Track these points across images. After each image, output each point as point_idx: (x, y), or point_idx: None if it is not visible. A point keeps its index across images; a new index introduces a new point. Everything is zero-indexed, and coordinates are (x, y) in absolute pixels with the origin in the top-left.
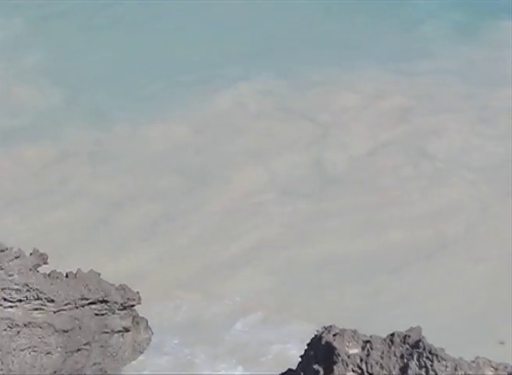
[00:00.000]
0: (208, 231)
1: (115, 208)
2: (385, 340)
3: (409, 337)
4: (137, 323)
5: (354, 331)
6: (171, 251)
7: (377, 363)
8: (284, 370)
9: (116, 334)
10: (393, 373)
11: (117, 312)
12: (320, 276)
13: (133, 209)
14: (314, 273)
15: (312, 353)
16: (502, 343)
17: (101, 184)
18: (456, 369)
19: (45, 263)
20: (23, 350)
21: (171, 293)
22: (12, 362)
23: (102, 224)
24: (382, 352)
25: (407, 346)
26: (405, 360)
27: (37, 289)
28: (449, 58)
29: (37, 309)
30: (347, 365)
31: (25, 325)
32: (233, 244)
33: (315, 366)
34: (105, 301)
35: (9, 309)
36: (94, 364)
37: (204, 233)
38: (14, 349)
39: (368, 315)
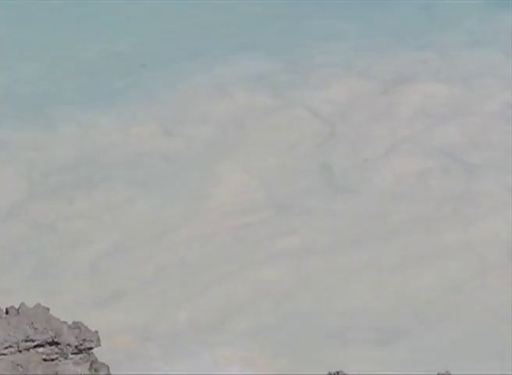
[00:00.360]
0: (167, 271)
1: (53, 235)
2: None
3: None
4: (96, 370)
5: None
6: (113, 297)
7: None
8: None
9: None
10: None
11: (71, 356)
12: (325, 333)
13: (75, 236)
14: (317, 326)
15: None
16: None
17: (38, 203)
18: None
19: None
20: None
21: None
22: None
23: (34, 256)
24: None
25: None
26: None
27: None
28: (488, 32)
29: None
30: None
31: None
32: (204, 295)
33: None
34: (56, 343)
35: None
36: None
37: (162, 274)
38: None
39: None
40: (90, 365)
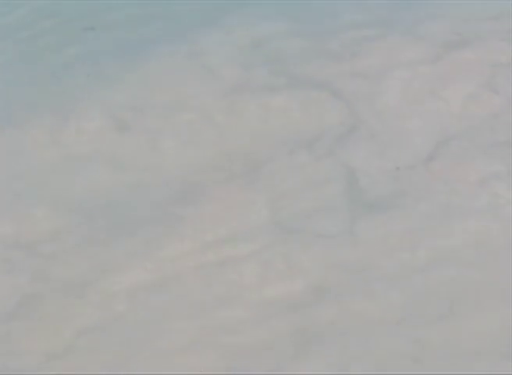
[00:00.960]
0: (94, 338)
1: None
2: None
3: None
4: None
5: None
6: None
7: None
8: None
9: None
10: None
11: None
12: None
13: None
14: None
15: None
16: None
17: None
18: None
19: None
20: None
21: None
22: None
23: None
24: None
25: None
26: None
27: None
28: None
29: None
30: None
31: None
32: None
33: None
34: None
35: None
36: None
37: (85, 342)
38: None
39: None
40: None
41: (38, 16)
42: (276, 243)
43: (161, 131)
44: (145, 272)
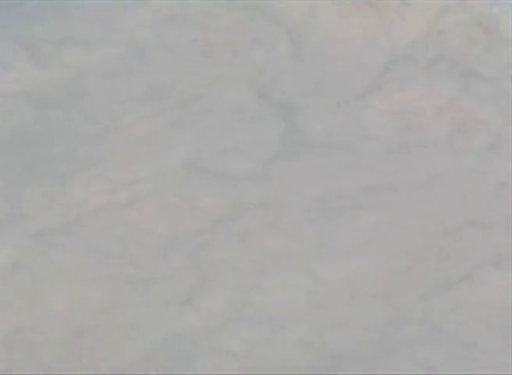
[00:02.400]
0: None
1: None
2: None
3: None
4: None
5: None
6: None
7: None
8: None
9: None
10: None
11: None
12: None
13: None
14: None
15: None
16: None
17: None
18: None
19: None
20: None
21: None
22: None
23: None
24: None
25: None
26: None
27: None
28: None
29: None
30: None
31: None
32: None
33: None
34: None
35: None
36: None
37: None
38: None
39: None
40: None
41: None
42: (184, 184)
43: (86, 66)
44: (48, 217)
